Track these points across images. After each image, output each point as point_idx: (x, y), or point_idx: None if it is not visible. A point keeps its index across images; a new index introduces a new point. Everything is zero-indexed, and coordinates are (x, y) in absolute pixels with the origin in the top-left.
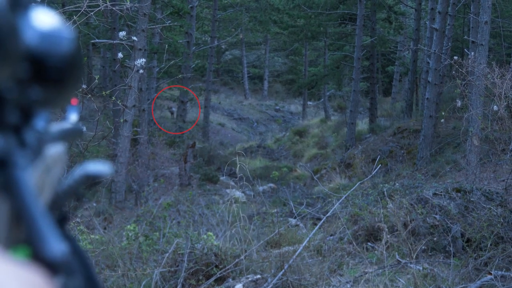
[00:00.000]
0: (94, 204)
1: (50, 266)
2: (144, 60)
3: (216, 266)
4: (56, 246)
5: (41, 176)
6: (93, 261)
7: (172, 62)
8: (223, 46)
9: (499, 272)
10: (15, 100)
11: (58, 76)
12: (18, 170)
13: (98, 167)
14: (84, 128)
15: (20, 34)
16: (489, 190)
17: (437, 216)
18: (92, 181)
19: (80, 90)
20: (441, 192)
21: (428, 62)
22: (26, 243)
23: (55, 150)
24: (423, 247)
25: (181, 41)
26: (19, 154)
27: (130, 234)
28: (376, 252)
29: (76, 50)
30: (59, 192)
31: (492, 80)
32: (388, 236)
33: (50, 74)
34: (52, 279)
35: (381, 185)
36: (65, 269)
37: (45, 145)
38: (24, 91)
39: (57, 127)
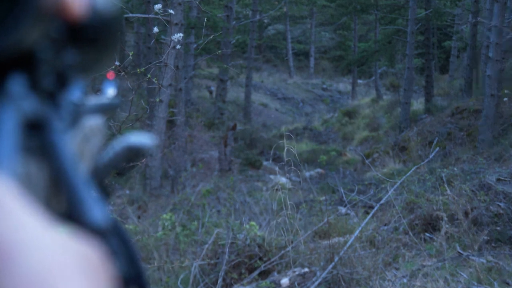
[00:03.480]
0: (128, 192)
1: (95, 233)
2: (181, 35)
3: (260, 259)
4: (100, 213)
5: (79, 145)
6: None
7: (210, 37)
8: (265, 20)
9: None
10: (49, 62)
11: (95, 35)
12: (56, 134)
13: (141, 138)
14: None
15: None
16: None
17: (502, 204)
18: (134, 153)
19: (113, 67)
20: (506, 177)
21: (489, 36)
22: (66, 214)
23: (94, 121)
24: (487, 237)
25: (220, 15)
26: (55, 118)
27: (166, 224)
28: (434, 243)
29: (114, 7)
30: (99, 165)
31: None
32: (448, 226)
33: (86, 33)
34: (99, 248)
35: (439, 170)
36: (110, 237)
37: (82, 116)
38: (58, 53)
39: (93, 100)
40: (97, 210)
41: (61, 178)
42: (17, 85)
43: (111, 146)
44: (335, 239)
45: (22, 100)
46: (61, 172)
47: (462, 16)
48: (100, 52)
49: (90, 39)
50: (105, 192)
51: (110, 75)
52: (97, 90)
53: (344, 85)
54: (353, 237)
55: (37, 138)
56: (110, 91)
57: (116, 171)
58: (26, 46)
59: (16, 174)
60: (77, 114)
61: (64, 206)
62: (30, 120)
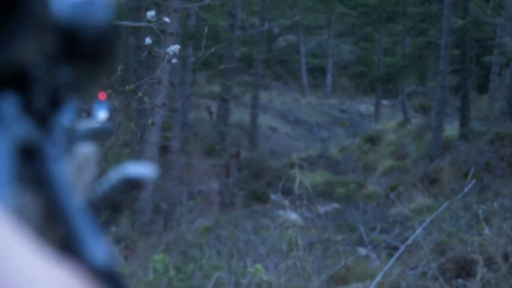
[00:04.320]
0: (113, 229)
1: (93, 273)
2: (177, 46)
3: None
4: (100, 251)
5: (73, 175)
6: None
7: (212, 49)
8: (275, 30)
9: None
10: (43, 81)
11: (92, 51)
12: (51, 162)
13: (140, 169)
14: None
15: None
16: None
17: None
18: (133, 186)
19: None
20: None
21: None
22: (63, 249)
23: (86, 149)
24: None
25: (223, 23)
26: (49, 144)
27: (158, 266)
28: None
29: (113, 21)
30: (93, 199)
31: None
32: (484, 271)
33: (82, 48)
34: None
35: (476, 206)
36: (110, 279)
37: (74, 142)
38: (52, 70)
39: (84, 125)
40: (98, 249)
41: (57, 212)
42: (9, 106)
43: (107, 177)
44: (354, 285)
45: (15, 123)
46: (58, 205)
47: (505, 26)
48: (96, 69)
49: (87, 54)
50: (102, 228)
51: (102, 95)
52: (82, 111)
53: (366, 106)
54: (374, 283)
55: (31, 167)
56: (102, 114)
57: (112, 206)
58: (20, 63)
59: (11, 206)
60: (70, 140)
61: (60, 240)
62: (24, 146)
